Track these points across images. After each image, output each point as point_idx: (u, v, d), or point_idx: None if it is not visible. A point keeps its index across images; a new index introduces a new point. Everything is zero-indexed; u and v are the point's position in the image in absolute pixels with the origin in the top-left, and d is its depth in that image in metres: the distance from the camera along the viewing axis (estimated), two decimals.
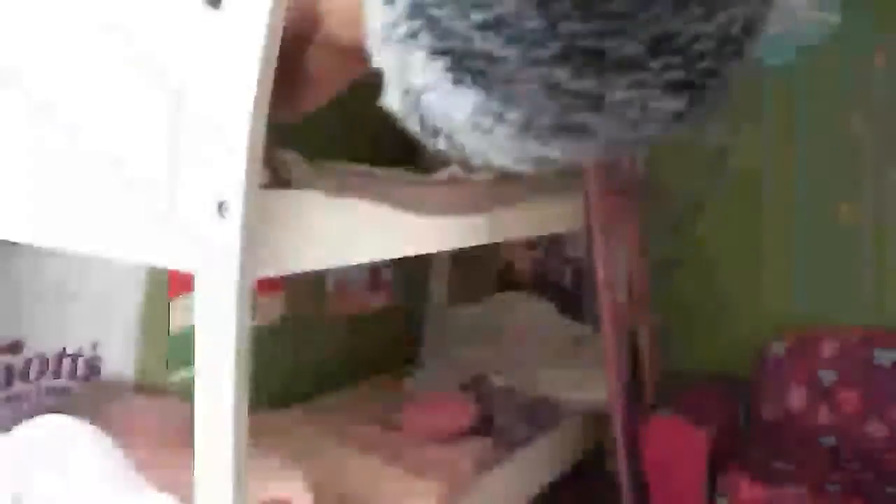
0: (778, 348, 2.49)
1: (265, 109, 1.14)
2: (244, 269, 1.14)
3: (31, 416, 1.68)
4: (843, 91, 2.46)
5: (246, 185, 1.14)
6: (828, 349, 2.43)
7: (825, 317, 2.50)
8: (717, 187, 2.65)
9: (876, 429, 2.33)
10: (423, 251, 1.68)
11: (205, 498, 1.20)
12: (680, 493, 2.20)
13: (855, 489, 2.08)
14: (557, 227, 2.33)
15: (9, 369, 1.80)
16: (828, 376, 2.41)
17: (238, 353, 1.14)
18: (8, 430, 1.49)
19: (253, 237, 1.16)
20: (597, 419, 2.63)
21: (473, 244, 1.83)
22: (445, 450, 2.16)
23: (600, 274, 2.38)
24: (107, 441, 1.37)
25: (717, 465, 2.25)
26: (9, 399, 1.81)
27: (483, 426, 2.35)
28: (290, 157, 1.25)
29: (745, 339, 2.63)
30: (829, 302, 2.50)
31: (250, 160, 1.13)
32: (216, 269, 1.15)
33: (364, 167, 1.53)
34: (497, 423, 2.30)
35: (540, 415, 2.37)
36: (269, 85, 1.14)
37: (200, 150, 1.18)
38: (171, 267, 1.24)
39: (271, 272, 1.27)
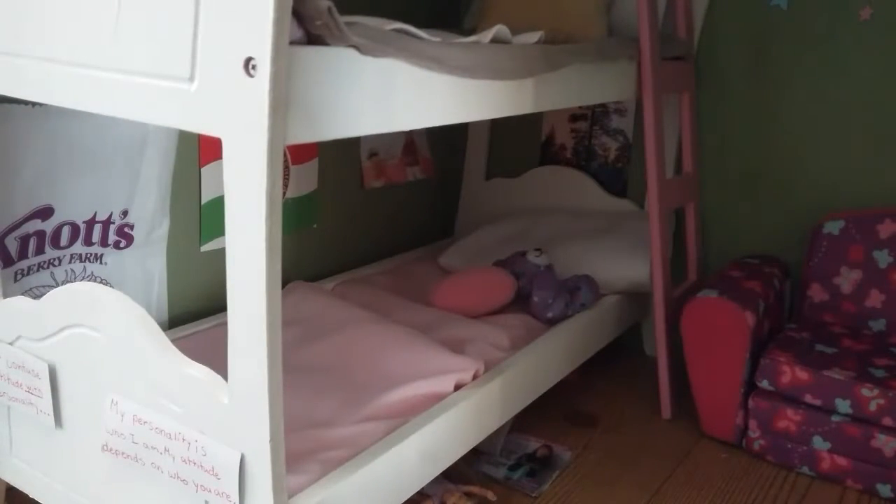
0: (833, 227, 2.38)
1: None
2: (274, 133, 1.05)
3: (63, 283, 1.67)
4: None
5: (275, 41, 1.03)
6: (886, 230, 2.32)
7: (884, 197, 2.37)
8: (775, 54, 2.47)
9: None
10: (464, 119, 1.57)
11: (239, 366, 1.17)
12: (720, 374, 2.17)
13: None
14: (607, 96, 2.18)
15: (39, 235, 1.77)
16: (883, 258, 2.31)
17: (269, 223, 1.07)
18: (39, 296, 1.47)
19: (283, 98, 1.07)
20: (636, 299, 2.58)
21: (518, 113, 1.72)
22: (482, 326, 2.13)
23: (649, 148, 2.26)
24: (140, 309, 1.34)
25: (761, 346, 2.20)
26: (40, 266, 1.80)
27: (520, 303, 2.32)
28: (323, 6, 1.13)
29: (798, 219, 2.51)
30: (890, 181, 2.36)
31: (279, 13, 1.03)
32: (244, 133, 1.07)
33: (403, 24, 1.40)
34: (534, 300, 2.25)
35: (578, 293, 2.31)
36: None
37: (226, 1, 1.07)
38: (197, 130, 1.16)
39: (303, 138, 1.18)
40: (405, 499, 1.59)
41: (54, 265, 1.82)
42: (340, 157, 2.62)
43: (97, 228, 1.88)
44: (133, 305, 1.35)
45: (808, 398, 2.05)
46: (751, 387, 2.16)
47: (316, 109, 1.17)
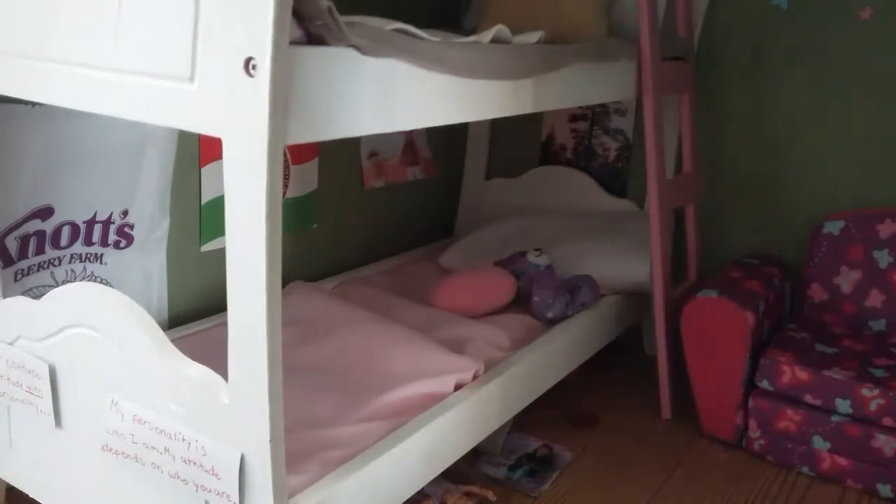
0: (833, 227, 2.38)
1: None
2: (274, 133, 1.05)
3: (64, 283, 1.67)
4: None
5: (275, 41, 1.03)
6: (886, 230, 2.32)
7: (884, 197, 2.37)
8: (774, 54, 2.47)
9: None
10: (464, 119, 1.57)
11: (239, 366, 1.17)
12: (720, 374, 2.16)
13: None
14: (607, 96, 2.18)
15: (39, 235, 1.77)
16: (883, 258, 2.31)
17: (269, 223, 1.07)
18: (39, 296, 1.47)
19: (283, 98, 1.07)
20: (636, 299, 2.57)
21: (518, 113, 1.72)
22: (482, 326, 2.13)
23: (649, 148, 2.26)
24: (140, 309, 1.34)
25: (761, 346, 2.20)
26: (40, 266, 1.80)
27: (520, 303, 2.32)
28: (323, 6, 1.13)
29: (798, 219, 2.52)
30: (890, 181, 2.37)
31: (279, 13, 1.03)
32: (244, 133, 1.07)
33: (403, 24, 1.40)
34: (534, 300, 2.25)
35: (578, 293, 2.31)
36: None
37: (226, 1, 1.07)
38: (197, 130, 1.16)
39: (303, 138, 1.18)
40: (405, 499, 1.58)
41: (54, 265, 1.82)
42: (340, 157, 2.62)
43: (97, 228, 1.88)
44: (133, 305, 1.35)
45: (808, 398, 2.05)
46: (751, 387, 2.16)
47: (316, 109, 1.17)
